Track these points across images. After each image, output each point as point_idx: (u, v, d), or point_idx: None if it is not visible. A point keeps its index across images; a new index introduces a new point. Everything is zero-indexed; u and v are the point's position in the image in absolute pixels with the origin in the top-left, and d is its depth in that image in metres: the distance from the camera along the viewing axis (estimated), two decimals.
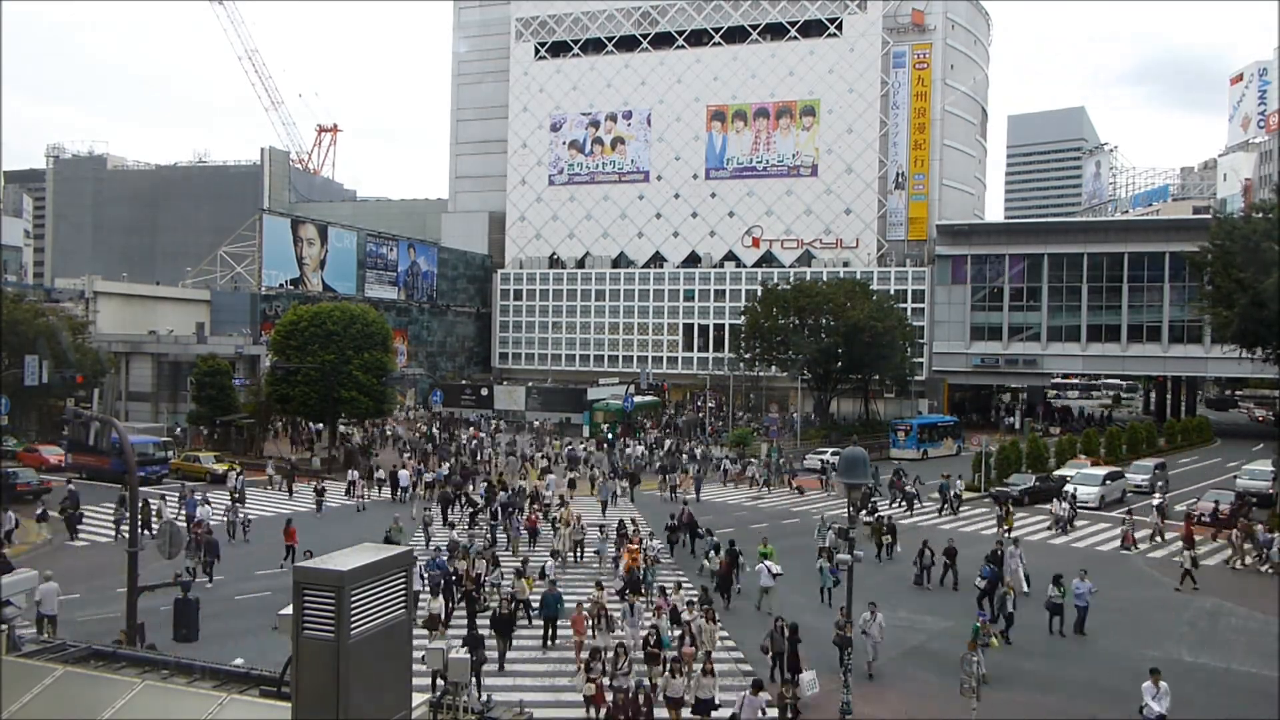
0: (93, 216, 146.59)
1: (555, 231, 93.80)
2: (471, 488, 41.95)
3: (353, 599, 7.73)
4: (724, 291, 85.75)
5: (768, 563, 25.82)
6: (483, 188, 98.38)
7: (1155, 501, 39.05)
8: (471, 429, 63.58)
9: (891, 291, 75.97)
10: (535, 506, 36.66)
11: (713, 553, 28.05)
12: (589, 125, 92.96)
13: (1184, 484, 48.36)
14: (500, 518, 34.63)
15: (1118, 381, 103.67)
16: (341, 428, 58.83)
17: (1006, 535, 25.29)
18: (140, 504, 28.46)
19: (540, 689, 19.77)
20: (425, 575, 24.10)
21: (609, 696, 17.34)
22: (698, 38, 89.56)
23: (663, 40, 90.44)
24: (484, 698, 15.00)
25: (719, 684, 20.25)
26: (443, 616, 23.12)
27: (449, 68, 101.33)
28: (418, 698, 9.23)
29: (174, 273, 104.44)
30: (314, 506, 39.60)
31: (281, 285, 71.88)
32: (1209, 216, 61.07)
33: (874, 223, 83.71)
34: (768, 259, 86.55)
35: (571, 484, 44.82)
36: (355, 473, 44.25)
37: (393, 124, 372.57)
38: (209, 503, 35.93)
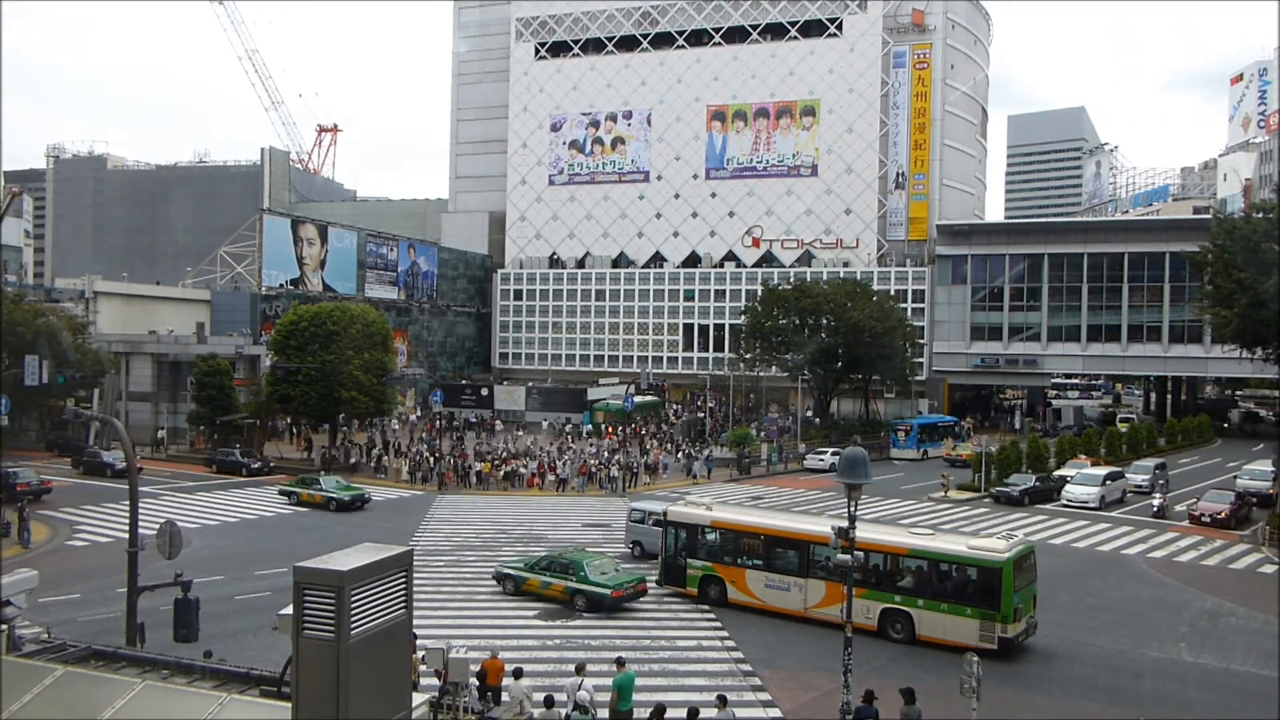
0: (93, 216, 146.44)
1: (555, 231, 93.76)
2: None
3: (353, 599, 7.73)
4: (724, 292, 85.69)
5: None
6: (483, 188, 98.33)
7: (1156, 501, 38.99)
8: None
9: (892, 292, 75.92)
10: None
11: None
12: (589, 125, 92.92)
13: (1184, 484, 48.36)
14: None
15: (1100, 383, 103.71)
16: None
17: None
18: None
19: None
20: None
21: None
22: (698, 38, 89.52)
23: (663, 40, 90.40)
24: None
25: (720, 683, 20.25)
26: None
27: (449, 68, 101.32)
28: (418, 698, 9.23)
29: (174, 273, 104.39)
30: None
31: (282, 285, 71.81)
32: (1209, 216, 60.99)
33: (874, 223, 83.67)
34: (768, 259, 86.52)
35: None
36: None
37: (393, 123, 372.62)
38: None
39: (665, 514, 27.84)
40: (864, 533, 22.07)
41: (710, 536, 26.55)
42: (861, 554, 18.97)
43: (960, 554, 22.93)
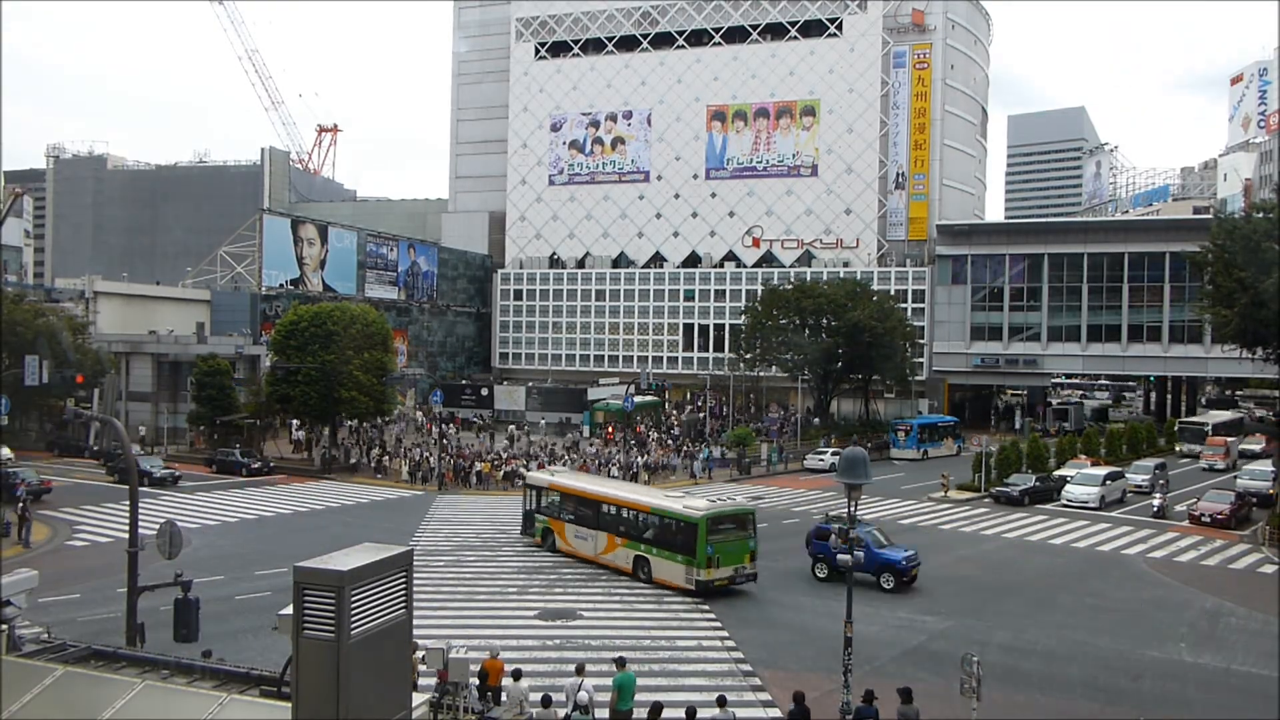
0: (93, 216, 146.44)
1: (555, 231, 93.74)
2: None
3: (353, 599, 7.73)
4: (724, 292, 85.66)
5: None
6: (483, 188, 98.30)
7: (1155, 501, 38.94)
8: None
9: (892, 292, 75.87)
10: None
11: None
12: (589, 125, 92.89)
13: (1184, 484, 48.36)
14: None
15: (1104, 384, 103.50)
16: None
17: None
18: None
19: None
20: None
21: None
22: (698, 38, 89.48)
23: (663, 40, 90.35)
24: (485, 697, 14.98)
25: (720, 683, 20.26)
26: None
27: (449, 68, 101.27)
28: (418, 698, 9.24)
29: (174, 273, 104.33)
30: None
31: (282, 285, 71.79)
32: (1209, 216, 60.97)
33: (874, 223, 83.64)
34: (768, 259, 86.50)
35: None
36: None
37: (393, 123, 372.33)
38: None
39: (524, 478, 35.40)
40: (623, 492, 31.64)
41: (549, 497, 32.86)
42: (862, 555, 19.24)
43: (675, 511, 28.18)
